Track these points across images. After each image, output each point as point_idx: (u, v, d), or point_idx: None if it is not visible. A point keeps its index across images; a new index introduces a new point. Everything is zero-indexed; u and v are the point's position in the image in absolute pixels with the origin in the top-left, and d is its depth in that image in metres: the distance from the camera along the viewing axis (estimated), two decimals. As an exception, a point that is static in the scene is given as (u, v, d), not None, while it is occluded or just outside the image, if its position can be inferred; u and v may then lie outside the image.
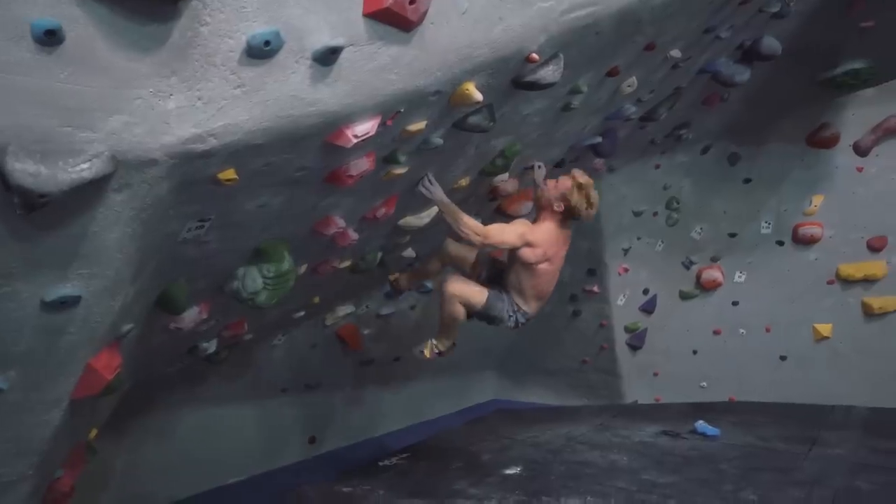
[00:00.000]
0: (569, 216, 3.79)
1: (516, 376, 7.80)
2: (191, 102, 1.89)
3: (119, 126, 1.77)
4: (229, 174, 2.19)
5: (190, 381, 5.02)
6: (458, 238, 3.70)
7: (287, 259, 3.16)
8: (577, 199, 3.70)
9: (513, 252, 3.76)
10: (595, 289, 6.85)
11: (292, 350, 5.58)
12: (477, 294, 3.81)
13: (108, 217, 1.93)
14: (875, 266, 6.05)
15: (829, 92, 5.58)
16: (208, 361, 4.67)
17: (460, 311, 3.82)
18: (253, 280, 3.12)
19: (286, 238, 3.11)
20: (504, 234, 3.67)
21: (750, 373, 6.51)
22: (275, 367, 5.59)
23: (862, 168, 6.12)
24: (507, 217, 5.28)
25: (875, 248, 6.07)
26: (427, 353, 4.03)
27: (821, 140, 6.21)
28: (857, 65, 5.12)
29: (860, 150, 6.09)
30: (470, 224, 3.56)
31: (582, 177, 3.75)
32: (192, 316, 3.24)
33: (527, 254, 3.71)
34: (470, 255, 4.15)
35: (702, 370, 6.72)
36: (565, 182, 3.75)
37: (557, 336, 7.29)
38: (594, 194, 3.76)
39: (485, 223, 5.14)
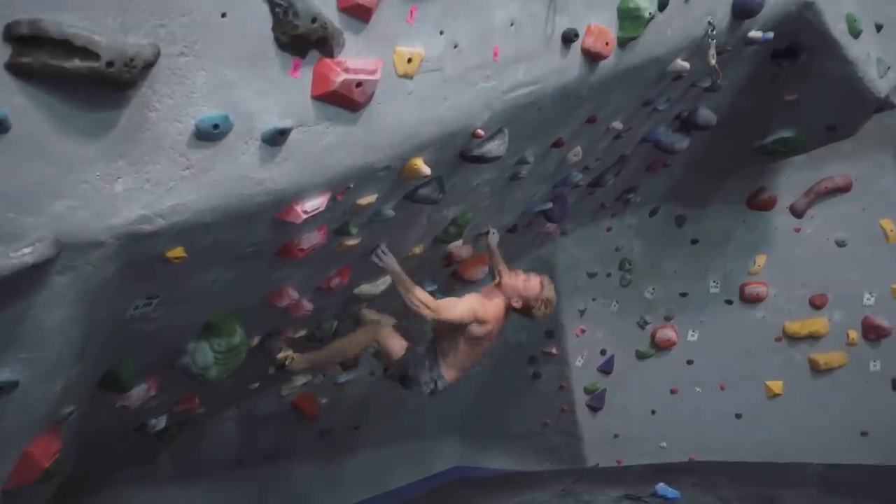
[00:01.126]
0: (519, 312, 3.92)
1: (479, 441, 7.70)
2: (139, 185, 1.91)
3: (64, 210, 1.78)
4: (178, 252, 2.20)
5: (138, 459, 4.82)
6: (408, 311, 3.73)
7: (238, 332, 3.13)
8: (537, 308, 3.87)
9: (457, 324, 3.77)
10: (553, 350, 6.90)
11: (247, 422, 5.42)
12: (397, 345, 3.88)
13: (51, 300, 1.91)
14: (818, 323, 6.29)
15: (763, 158, 5.91)
16: (158, 438, 4.50)
17: (354, 353, 4.04)
18: (203, 355, 3.07)
19: (238, 311, 3.10)
20: (456, 309, 3.70)
21: (708, 431, 6.58)
22: (229, 441, 5.41)
23: (799, 229, 6.44)
24: (463, 282, 5.37)
25: (817, 305, 6.32)
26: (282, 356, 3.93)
27: (760, 202, 6.53)
28: (785, 134, 5.46)
29: (796, 212, 6.42)
30: (422, 297, 3.59)
31: (550, 291, 3.90)
32: (139, 393, 3.16)
33: (475, 329, 3.77)
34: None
35: (661, 430, 6.76)
36: (534, 286, 3.86)
37: (518, 399, 7.27)
38: (552, 304, 3.94)
39: (441, 288, 5.21)
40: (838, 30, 4.55)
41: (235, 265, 2.62)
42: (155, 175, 1.94)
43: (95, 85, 1.72)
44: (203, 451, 5.24)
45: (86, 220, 1.85)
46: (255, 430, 5.49)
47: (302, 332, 4.11)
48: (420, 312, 3.60)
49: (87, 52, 1.66)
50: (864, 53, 4.76)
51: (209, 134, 1.98)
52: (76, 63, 1.65)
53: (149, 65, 1.79)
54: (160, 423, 3.89)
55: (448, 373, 3.93)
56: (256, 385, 4.80)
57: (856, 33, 4.63)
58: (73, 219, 1.82)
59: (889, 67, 5.02)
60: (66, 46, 1.64)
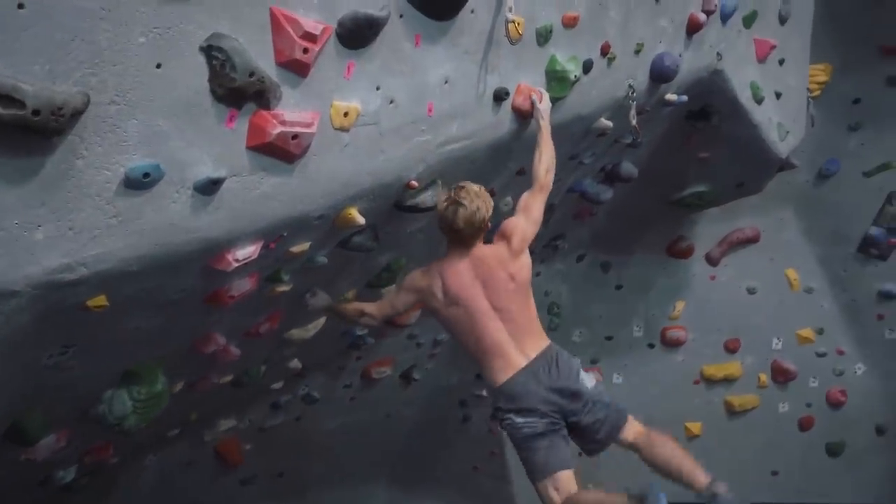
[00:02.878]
0: (449, 234, 2.99)
1: (407, 485, 7.58)
2: (61, 232, 1.86)
3: (-23, 259, 1.71)
4: (99, 301, 2.13)
5: (41, 514, 4.49)
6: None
7: (160, 379, 3.02)
8: (441, 203, 2.94)
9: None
10: (484, 393, 6.95)
11: (164, 471, 5.16)
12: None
13: (-44, 351, 1.81)
14: (733, 366, 6.64)
15: (681, 209, 6.28)
16: (65, 490, 4.22)
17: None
18: (121, 404, 2.93)
19: (161, 357, 2.99)
20: (388, 300, 3.25)
21: (633, 473, 6.73)
22: (144, 491, 5.12)
23: (714, 276, 6.83)
24: (395, 326, 5.36)
25: (731, 349, 6.68)
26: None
27: (678, 251, 6.90)
28: (700, 188, 5.84)
29: (711, 261, 6.82)
30: (360, 315, 3.34)
31: (466, 183, 2.97)
32: (48, 445, 2.97)
33: (429, 303, 3.06)
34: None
35: (588, 472, 6.87)
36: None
37: (448, 442, 7.25)
38: (464, 195, 2.90)
39: (372, 333, 5.17)
40: (744, 96, 4.96)
41: (160, 312, 2.55)
42: (79, 223, 1.89)
43: (19, 132, 1.68)
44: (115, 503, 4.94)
45: (0, 269, 1.77)
46: (172, 480, 5.23)
47: (227, 378, 4.00)
48: (371, 325, 3.43)
49: (10, 100, 1.63)
50: (767, 118, 5.20)
51: (139, 182, 1.96)
52: (-1, 111, 1.61)
53: (77, 113, 1.76)
54: (69, 474, 3.66)
55: (483, 371, 3.05)
56: (177, 431, 4.60)
57: (759, 100, 5.06)
58: (-14, 267, 1.74)
59: (788, 132, 5.48)
60: (-10, 93, 1.60)
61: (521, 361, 2.98)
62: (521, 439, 2.94)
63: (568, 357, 3.10)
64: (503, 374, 2.96)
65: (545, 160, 3.24)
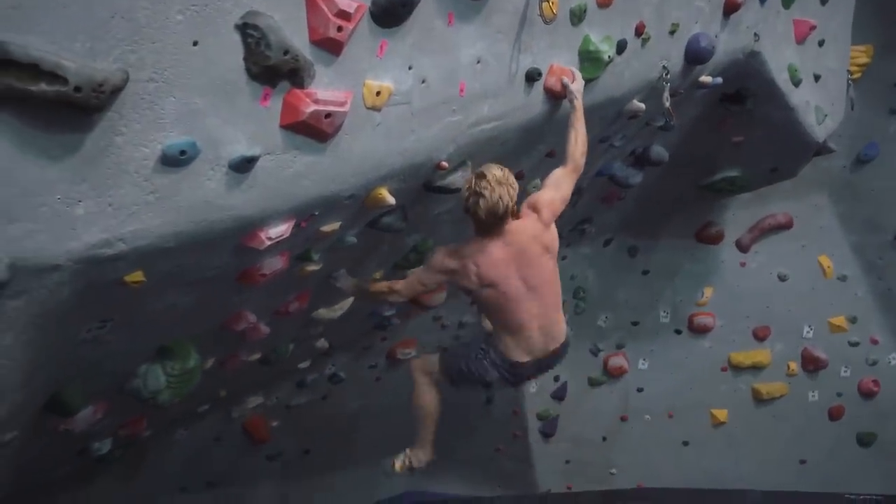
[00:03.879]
0: (475, 222, 2.97)
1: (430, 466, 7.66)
2: (100, 208, 1.89)
3: (20, 233, 1.74)
4: (137, 277, 2.16)
5: (77, 484, 4.63)
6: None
7: (193, 356, 3.08)
8: (465, 193, 2.89)
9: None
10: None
11: (194, 445, 5.28)
12: (430, 357, 3.34)
13: (1, 324, 1.86)
14: (761, 354, 6.54)
15: (711, 194, 6.17)
16: (99, 461, 4.34)
17: (427, 396, 3.30)
18: (156, 378, 3.00)
19: (194, 334, 3.05)
20: (417, 277, 3.17)
21: (656, 458, 6.72)
22: (174, 465, 5.25)
23: (744, 263, 6.72)
24: (421, 307, 5.38)
25: (760, 337, 6.58)
26: (398, 465, 3.47)
27: (708, 236, 6.80)
28: (732, 173, 5.73)
29: (741, 247, 6.70)
30: (388, 292, 3.27)
31: (488, 169, 2.88)
32: (85, 417, 3.05)
33: (460, 283, 3.03)
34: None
35: (611, 457, 6.88)
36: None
37: (470, 424, 7.28)
38: (486, 184, 2.82)
39: (398, 313, 5.21)
40: (781, 78, 4.82)
41: (194, 289, 2.59)
42: (118, 199, 1.92)
43: (61, 108, 1.71)
44: (145, 476, 5.07)
45: (43, 243, 1.81)
46: (202, 453, 5.35)
47: (256, 356, 4.06)
48: (395, 301, 3.33)
49: (54, 77, 1.65)
50: (804, 101, 5.06)
51: (176, 160, 1.98)
52: (43, 87, 1.63)
53: (117, 90, 1.78)
54: (104, 446, 3.76)
55: (509, 349, 3.09)
56: (207, 407, 4.69)
57: (796, 82, 4.92)
58: (29, 242, 1.78)
59: (826, 115, 5.33)
60: (34, 70, 1.62)
61: (538, 352, 3.14)
62: (474, 372, 3.18)
63: (566, 349, 3.27)
64: (519, 356, 3.12)
65: (580, 142, 3.21)
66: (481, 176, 2.88)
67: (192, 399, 3.96)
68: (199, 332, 3.06)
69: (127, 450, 4.58)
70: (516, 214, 3.02)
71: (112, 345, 2.57)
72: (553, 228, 3.16)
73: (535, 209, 3.10)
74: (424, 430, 3.42)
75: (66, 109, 1.71)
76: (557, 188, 3.17)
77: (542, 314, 3.11)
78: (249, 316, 3.26)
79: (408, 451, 3.47)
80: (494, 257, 2.98)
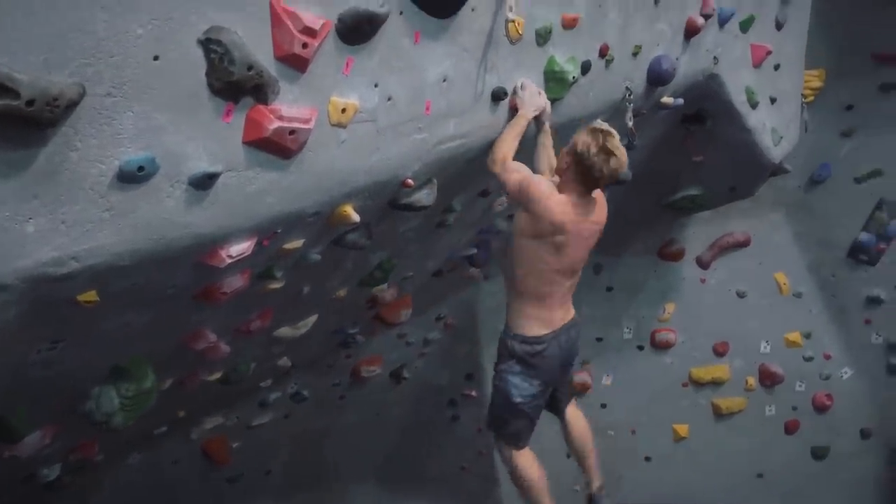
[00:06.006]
0: (585, 179, 2.86)
1: (395, 485, 7.57)
2: (52, 226, 1.82)
3: (-34, 252, 1.67)
4: (90, 296, 2.08)
5: (23, 512, 4.42)
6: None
7: (149, 376, 2.97)
8: (584, 140, 2.80)
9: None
10: (473, 393, 6.94)
11: (150, 469, 5.10)
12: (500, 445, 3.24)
13: (-57, 346, 1.77)
14: (720, 369, 6.67)
15: (672, 212, 6.30)
16: (48, 489, 4.15)
17: (527, 471, 3.20)
18: (109, 400, 2.89)
19: (150, 353, 2.95)
20: (523, 178, 2.91)
21: (620, 474, 6.76)
22: (129, 490, 5.05)
23: (704, 280, 6.86)
24: (386, 324, 5.35)
25: (719, 352, 6.72)
26: None
27: (669, 253, 6.93)
28: (693, 191, 5.87)
29: (702, 264, 6.85)
30: (503, 153, 3.01)
31: (600, 124, 2.90)
32: (33, 442, 2.92)
33: (538, 216, 2.85)
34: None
35: (576, 473, 6.88)
36: (578, 136, 2.90)
37: (437, 442, 7.23)
38: (617, 143, 2.80)
39: (363, 331, 5.17)
40: (739, 100, 4.97)
41: (151, 308, 2.51)
42: (71, 216, 1.85)
43: (13, 123, 1.64)
44: (98, 503, 4.88)
45: (-10, 262, 1.73)
46: (158, 478, 5.17)
47: (216, 375, 3.96)
48: (491, 165, 3.01)
49: (5, 89, 1.59)
50: (761, 123, 5.22)
51: (133, 176, 1.92)
52: (-7, 100, 1.57)
53: (73, 104, 1.72)
54: (53, 472, 3.60)
55: (520, 320, 3.01)
56: (164, 429, 4.54)
57: (754, 104, 5.08)
58: (-25, 261, 1.70)
59: (782, 137, 5.51)
60: (-17, 82, 1.56)
61: (557, 323, 3.07)
62: (506, 397, 3.05)
63: (579, 331, 3.26)
64: (538, 329, 3.04)
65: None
66: (609, 134, 2.83)
67: (148, 421, 3.83)
68: (156, 351, 2.96)
69: (78, 475, 4.40)
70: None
71: (63, 366, 2.47)
72: None
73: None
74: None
75: (17, 123, 1.64)
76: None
77: (565, 294, 3.10)
78: (209, 334, 3.18)
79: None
80: (576, 215, 2.91)
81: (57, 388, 2.62)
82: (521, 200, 2.94)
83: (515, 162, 3.01)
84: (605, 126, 2.90)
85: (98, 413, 2.86)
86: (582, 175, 2.88)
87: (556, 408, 3.44)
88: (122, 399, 2.90)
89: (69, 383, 2.65)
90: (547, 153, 3.20)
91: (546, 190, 2.90)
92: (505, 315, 3.21)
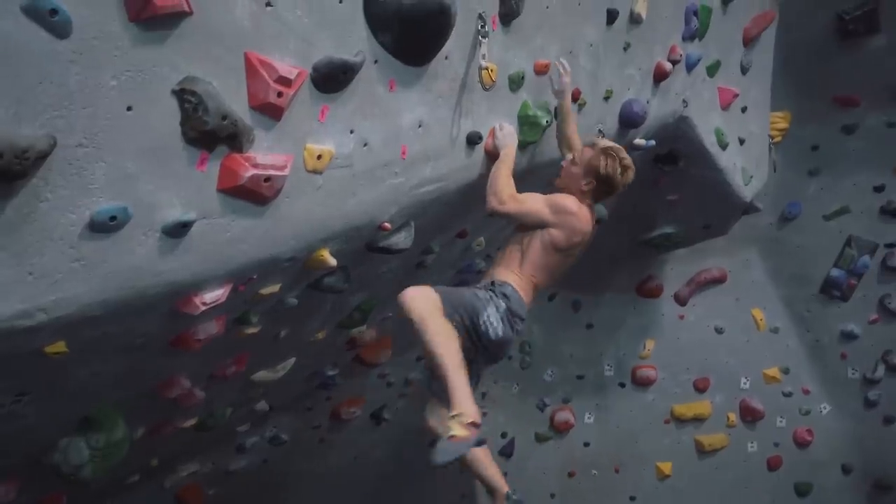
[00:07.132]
0: (602, 191, 3.15)
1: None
2: (20, 277, 1.79)
3: (-71, 306, 1.63)
4: (58, 347, 2.05)
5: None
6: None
7: (120, 426, 2.90)
8: (606, 163, 3.05)
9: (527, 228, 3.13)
10: (455, 434, 6.85)
11: (121, 521, 4.93)
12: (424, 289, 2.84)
13: None
14: (702, 406, 6.67)
15: (650, 250, 6.38)
16: (12, 544, 3.99)
17: (451, 333, 2.70)
18: (78, 452, 2.81)
19: (121, 402, 2.89)
20: (533, 205, 3.04)
21: (604, 514, 6.68)
22: (98, 543, 4.87)
23: (683, 316, 6.91)
24: (365, 365, 5.29)
25: (700, 388, 6.73)
26: (456, 431, 2.50)
27: (648, 290, 6.98)
28: (668, 229, 5.96)
29: (680, 300, 6.91)
30: (505, 191, 3.05)
31: (605, 141, 3.20)
32: (-4, 496, 2.83)
33: (555, 229, 3.05)
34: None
35: (593, 457, 6.80)
36: (587, 151, 3.17)
37: (418, 484, 7.10)
38: (626, 155, 3.13)
39: (343, 372, 5.11)
40: (709, 141, 5.10)
41: (123, 357, 2.47)
42: (40, 267, 1.83)
43: (-20, 175, 1.63)
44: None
45: (-46, 315, 1.70)
46: (130, 529, 5.00)
47: (191, 421, 3.87)
48: (488, 200, 3.03)
49: (-26, 142, 1.59)
50: (732, 163, 5.35)
51: (105, 225, 1.91)
52: (-41, 158, 1.56)
53: (43, 156, 1.72)
54: (18, 528, 3.47)
55: (517, 280, 3.09)
56: (136, 478, 4.41)
57: (723, 145, 5.21)
58: (-62, 314, 1.67)
59: (752, 176, 5.65)
60: (-49, 136, 1.55)
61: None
62: (474, 312, 2.99)
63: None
64: (529, 303, 3.32)
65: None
66: (620, 150, 3.15)
67: (119, 471, 3.73)
68: (128, 400, 2.90)
69: (44, 528, 4.24)
70: None
71: (29, 419, 2.41)
72: None
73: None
74: (449, 379, 2.65)
75: (-15, 176, 1.64)
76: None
77: (548, 287, 3.41)
78: (184, 381, 3.12)
79: (449, 414, 2.62)
80: (587, 227, 3.17)
81: (22, 440, 2.55)
82: (555, 221, 3.09)
83: (521, 193, 3.15)
84: (610, 143, 3.22)
85: (66, 465, 2.78)
86: (603, 192, 3.21)
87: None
88: (91, 450, 2.82)
89: (36, 436, 2.58)
90: (575, 118, 3.50)
91: (573, 203, 3.14)
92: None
